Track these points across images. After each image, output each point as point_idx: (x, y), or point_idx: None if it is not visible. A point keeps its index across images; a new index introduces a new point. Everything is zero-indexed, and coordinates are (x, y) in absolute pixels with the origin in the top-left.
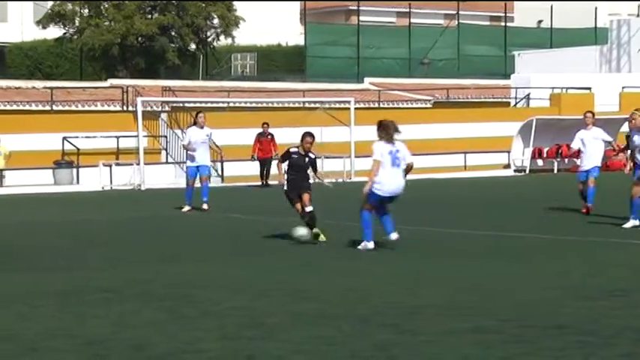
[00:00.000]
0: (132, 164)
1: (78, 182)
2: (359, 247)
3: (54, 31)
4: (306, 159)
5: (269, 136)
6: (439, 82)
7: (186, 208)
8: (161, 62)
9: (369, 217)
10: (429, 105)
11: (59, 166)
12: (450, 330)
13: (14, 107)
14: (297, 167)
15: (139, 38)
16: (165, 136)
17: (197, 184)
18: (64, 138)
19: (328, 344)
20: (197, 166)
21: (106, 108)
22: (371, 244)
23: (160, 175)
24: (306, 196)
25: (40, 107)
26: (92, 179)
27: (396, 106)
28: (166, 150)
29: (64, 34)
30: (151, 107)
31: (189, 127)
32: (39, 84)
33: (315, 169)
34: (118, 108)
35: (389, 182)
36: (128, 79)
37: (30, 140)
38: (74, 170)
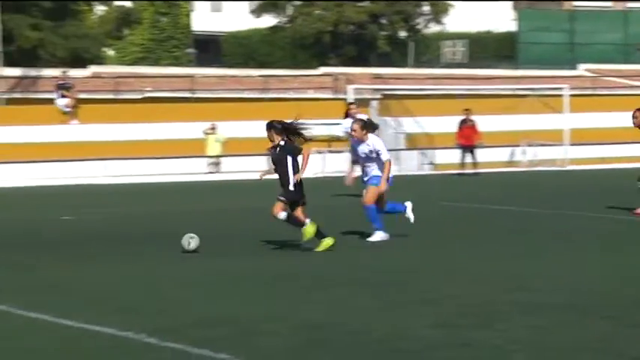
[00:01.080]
0: (343, 152)
1: None
2: (373, 239)
3: (267, 20)
4: (277, 150)
5: (470, 123)
6: None
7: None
8: (371, 50)
9: (375, 209)
10: None
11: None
12: None
13: (230, 95)
14: (275, 163)
15: (350, 26)
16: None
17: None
18: None
19: (546, 334)
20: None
21: (317, 96)
22: (387, 235)
23: None
24: (277, 205)
25: (255, 95)
26: None
27: (612, 92)
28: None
29: (277, 22)
30: (362, 95)
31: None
32: (253, 72)
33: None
34: (330, 95)
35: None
36: (339, 67)
37: (245, 127)
38: None
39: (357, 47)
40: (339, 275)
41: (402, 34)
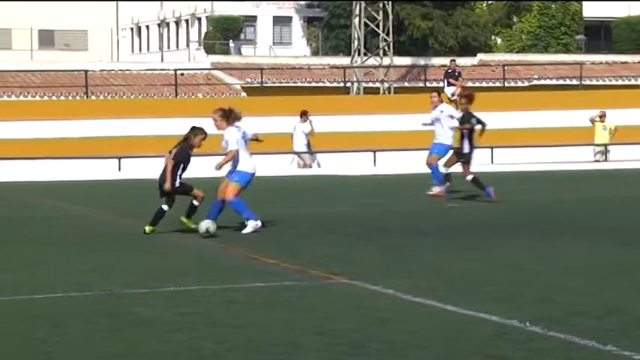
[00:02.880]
0: None
1: None
2: (247, 230)
3: None
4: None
5: None
6: None
7: (434, 190)
8: None
9: (239, 200)
10: None
11: None
12: None
13: (619, 82)
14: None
15: None
16: None
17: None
18: None
19: None
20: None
21: None
22: (259, 222)
23: None
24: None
25: None
26: None
27: None
28: None
29: None
30: None
31: None
32: None
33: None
34: None
35: (251, 161)
36: None
37: (635, 115)
38: None
39: None
40: None
41: None
